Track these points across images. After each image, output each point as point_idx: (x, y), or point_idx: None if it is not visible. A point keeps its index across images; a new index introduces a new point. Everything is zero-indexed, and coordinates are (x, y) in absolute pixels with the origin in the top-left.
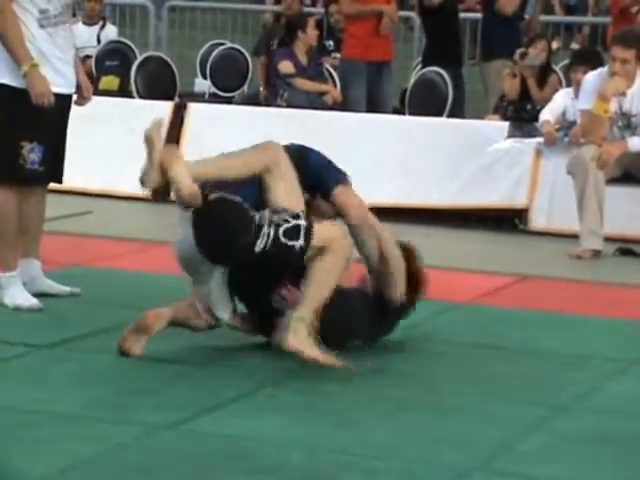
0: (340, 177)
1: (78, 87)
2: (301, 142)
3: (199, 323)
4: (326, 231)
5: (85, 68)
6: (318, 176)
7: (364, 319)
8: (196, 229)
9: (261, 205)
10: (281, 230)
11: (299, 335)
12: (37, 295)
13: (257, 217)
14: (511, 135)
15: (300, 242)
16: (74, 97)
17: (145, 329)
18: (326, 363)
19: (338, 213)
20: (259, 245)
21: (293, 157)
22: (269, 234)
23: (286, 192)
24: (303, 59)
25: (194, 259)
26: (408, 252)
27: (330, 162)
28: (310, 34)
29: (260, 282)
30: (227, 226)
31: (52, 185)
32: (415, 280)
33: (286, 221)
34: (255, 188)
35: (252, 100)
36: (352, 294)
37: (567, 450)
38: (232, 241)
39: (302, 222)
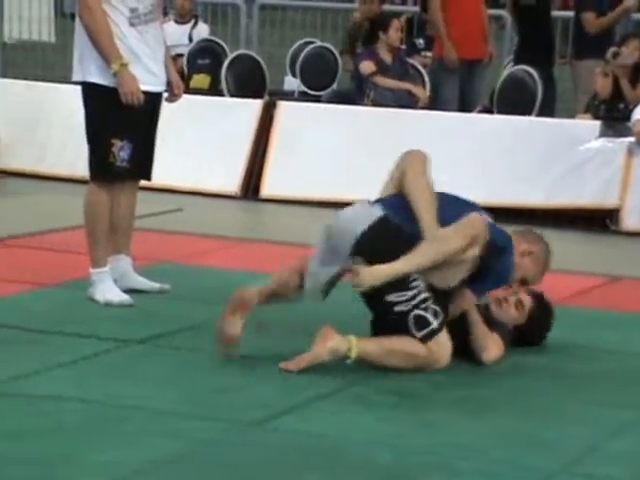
0: (484, 292)
1: (169, 84)
2: (389, 141)
3: (296, 293)
4: (443, 344)
5: (177, 67)
6: (487, 275)
7: None
8: (370, 231)
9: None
10: (413, 313)
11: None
12: (127, 291)
13: (414, 283)
14: (603, 134)
15: (417, 333)
16: (164, 95)
17: (242, 306)
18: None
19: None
20: (394, 297)
21: (492, 248)
22: (406, 301)
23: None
24: (387, 58)
25: (342, 237)
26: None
27: (498, 280)
28: (392, 36)
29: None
30: (388, 254)
31: (143, 183)
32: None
33: (426, 310)
34: None
35: (341, 98)
36: None
37: None
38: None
39: (435, 325)
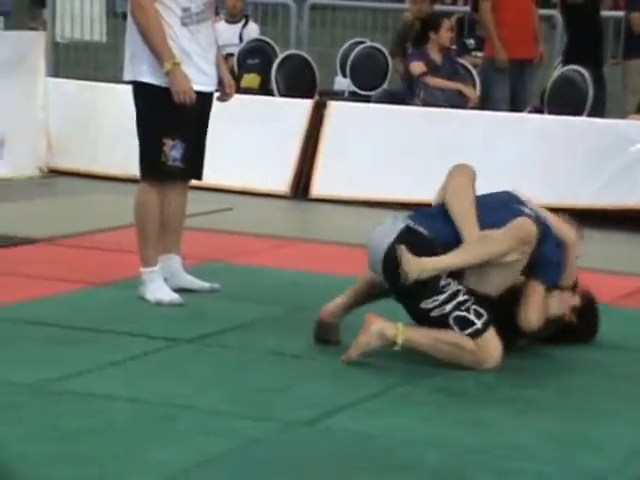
0: (556, 280)
1: (220, 84)
2: (440, 141)
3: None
4: (492, 343)
5: (227, 66)
6: (537, 266)
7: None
8: (395, 244)
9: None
10: (453, 315)
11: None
12: (177, 290)
13: (442, 282)
14: None
15: (462, 333)
16: (215, 94)
17: (327, 332)
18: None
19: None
20: (427, 303)
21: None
22: (440, 305)
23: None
24: (437, 58)
25: (374, 258)
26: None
27: (559, 262)
28: (442, 35)
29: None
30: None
31: (193, 182)
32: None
33: (467, 311)
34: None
35: (391, 98)
36: None
37: None
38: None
39: (479, 325)
